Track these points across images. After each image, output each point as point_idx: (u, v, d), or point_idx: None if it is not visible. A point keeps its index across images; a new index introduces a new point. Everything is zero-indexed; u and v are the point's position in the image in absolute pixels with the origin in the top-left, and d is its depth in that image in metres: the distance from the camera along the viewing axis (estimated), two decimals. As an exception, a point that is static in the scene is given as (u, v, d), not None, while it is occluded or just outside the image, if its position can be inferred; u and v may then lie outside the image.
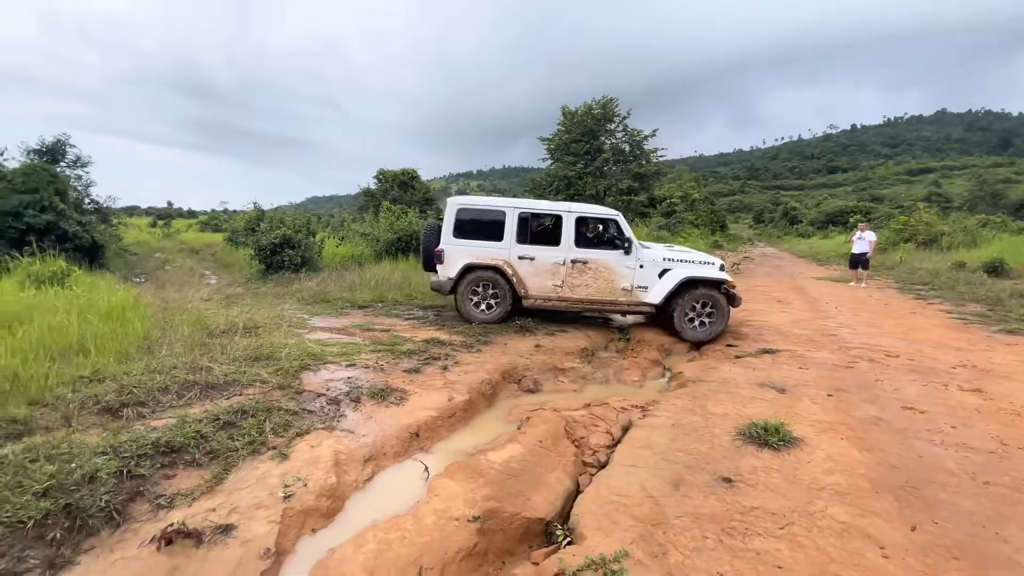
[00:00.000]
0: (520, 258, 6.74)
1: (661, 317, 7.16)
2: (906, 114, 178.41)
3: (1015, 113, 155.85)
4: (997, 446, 3.34)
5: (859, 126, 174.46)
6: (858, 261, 12.61)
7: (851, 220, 32.10)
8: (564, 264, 6.74)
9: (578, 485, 3.20)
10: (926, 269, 14.56)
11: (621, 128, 21.92)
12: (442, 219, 7.19)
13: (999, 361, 5.39)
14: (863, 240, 12.63)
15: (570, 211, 6.80)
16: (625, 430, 3.94)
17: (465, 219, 6.77)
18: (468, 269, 6.72)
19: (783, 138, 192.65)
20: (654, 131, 22.07)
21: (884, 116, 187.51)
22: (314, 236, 13.28)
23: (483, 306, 6.86)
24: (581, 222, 6.92)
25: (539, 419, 3.93)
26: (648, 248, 7.08)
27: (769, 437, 3.40)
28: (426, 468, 3.21)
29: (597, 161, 21.33)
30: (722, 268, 6.92)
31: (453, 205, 6.82)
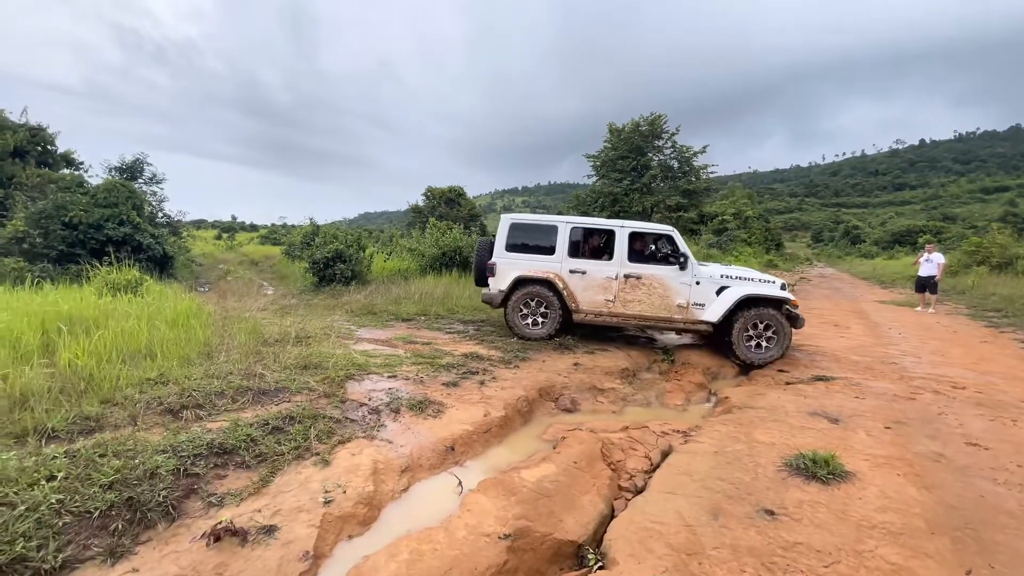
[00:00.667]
0: (572, 272, 6.78)
1: (715, 338, 7.04)
2: (979, 129, 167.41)
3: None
4: (1076, 492, 3.06)
5: (928, 141, 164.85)
6: (925, 284, 11.86)
7: (919, 240, 30.24)
8: (616, 279, 6.75)
9: (612, 509, 3.16)
10: (1000, 295, 13.50)
11: (670, 144, 21.68)
12: (494, 235, 7.40)
13: (1084, 398, 4.93)
14: (931, 262, 11.88)
15: (623, 227, 6.86)
16: (665, 455, 3.86)
17: (517, 234, 6.92)
18: (519, 282, 6.81)
19: (845, 153, 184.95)
20: (704, 147, 21.68)
21: (955, 131, 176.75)
22: (364, 251, 13.80)
23: (530, 320, 6.91)
24: (635, 237, 6.96)
25: (575, 439, 3.91)
26: (705, 266, 7.04)
27: (818, 470, 3.25)
28: (459, 482, 3.26)
29: (644, 178, 21.13)
30: (783, 287, 6.76)
31: (506, 220, 6.97)
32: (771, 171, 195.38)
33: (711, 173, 22.38)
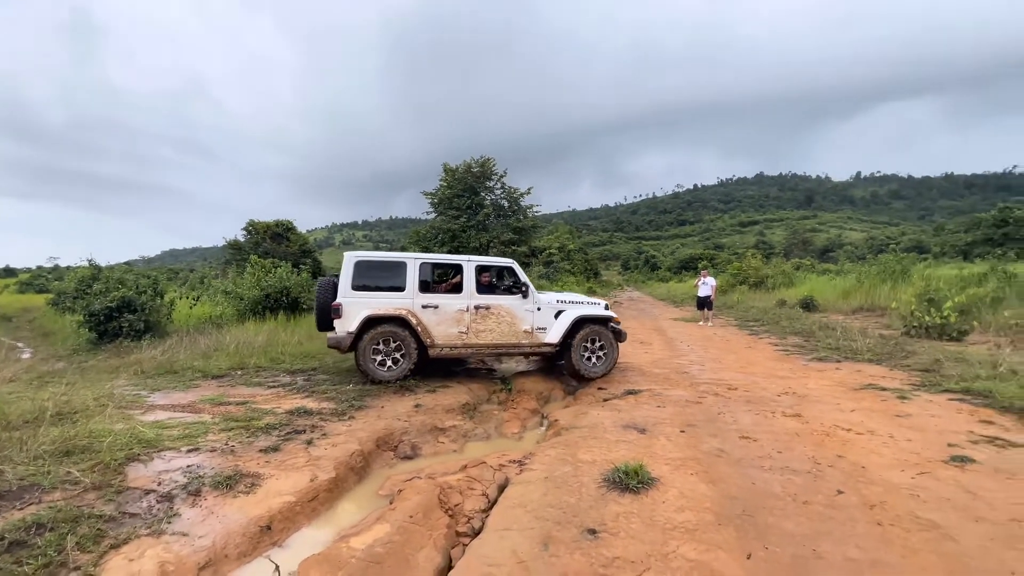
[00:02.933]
0: (424, 307, 6.67)
1: (553, 359, 7.36)
2: (734, 176, 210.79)
3: (813, 176, 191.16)
4: (812, 466, 3.79)
5: (700, 185, 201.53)
6: (703, 303, 14.18)
7: (699, 265, 36.30)
8: (468, 310, 6.81)
9: (450, 560, 3.02)
10: (757, 307, 16.77)
11: (499, 185, 22.90)
12: (334, 272, 6.74)
13: (812, 387, 6.24)
14: (706, 285, 14.28)
15: (470, 260, 6.98)
16: (502, 489, 3.85)
17: (364, 272, 6.58)
18: (370, 322, 6.43)
19: (641, 195, 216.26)
20: (529, 188, 23.31)
21: (719, 178, 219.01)
22: (162, 297, 11.71)
23: (389, 362, 6.58)
24: (481, 271, 7.12)
25: (412, 490, 3.70)
26: (543, 293, 7.39)
27: (630, 480, 3.52)
28: (276, 568, 2.82)
29: (479, 215, 21.91)
30: (606, 307, 7.42)
31: (350, 258, 6.59)
32: (586, 209, 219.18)
33: (536, 212, 24.17)
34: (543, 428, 5.85)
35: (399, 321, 6.54)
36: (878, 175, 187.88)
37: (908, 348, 8.20)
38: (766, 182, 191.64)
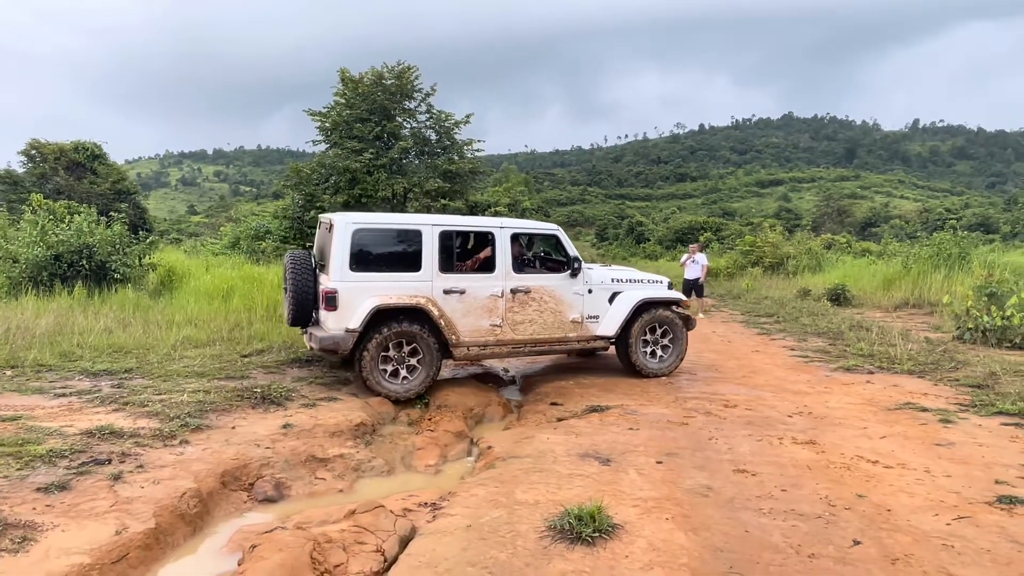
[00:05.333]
0: (447, 292, 6.89)
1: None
2: (754, 116, 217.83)
3: (858, 121, 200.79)
4: (824, 509, 4.06)
5: (707, 127, 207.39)
6: (691, 288, 14.72)
7: (701, 238, 37.55)
8: (503, 295, 7.15)
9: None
10: (772, 298, 17.59)
11: (424, 108, 22.42)
12: (305, 245, 6.80)
13: (834, 405, 6.65)
14: (696, 264, 14.83)
15: (502, 227, 7.29)
16: (405, 543, 3.89)
17: (366, 244, 6.73)
18: (379, 315, 6.57)
19: (627, 136, 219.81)
20: (468, 116, 22.98)
21: (732, 117, 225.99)
22: None
23: (403, 372, 6.84)
24: (515, 240, 7.47)
25: (271, 546, 3.65)
26: (591, 268, 7.79)
27: (583, 528, 3.64)
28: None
29: (393, 151, 21.39)
30: (670, 286, 7.98)
31: (348, 226, 6.64)
32: (551, 151, 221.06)
33: (478, 151, 23.95)
34: (471, 458, 5.95)
35: (416, 313, 6.75)
36: (940, 125, 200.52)
37: (959, 357, 8.87)
38: (795, 126, 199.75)
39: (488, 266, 7.27)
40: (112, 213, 14.11)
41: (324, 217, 7.58)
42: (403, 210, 22.12)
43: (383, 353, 6.69)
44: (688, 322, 8.05)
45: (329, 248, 6.77)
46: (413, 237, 6.88)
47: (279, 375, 7.27)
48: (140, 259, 12.97)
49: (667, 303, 7.94)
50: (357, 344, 6.56)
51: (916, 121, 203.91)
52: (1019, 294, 10.41)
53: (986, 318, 10.29)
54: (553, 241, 7.79)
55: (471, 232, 7.82)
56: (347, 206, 19.75)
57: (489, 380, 8.41)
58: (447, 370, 8.38)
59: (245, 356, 7.98)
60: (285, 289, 7.37)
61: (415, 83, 22.07)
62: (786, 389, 7.38)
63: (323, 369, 7.66)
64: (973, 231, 31.54)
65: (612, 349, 8.12)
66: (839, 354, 9.48)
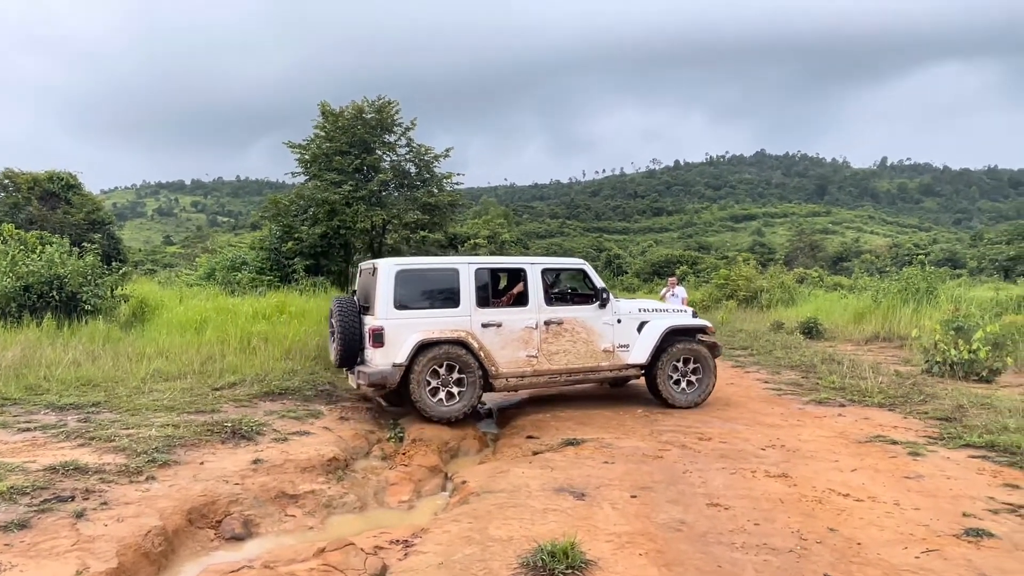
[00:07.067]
0: (484, 326, 7.32)
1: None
2: (728, 152, 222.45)
3: (828, 159, 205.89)
4: (796, 542, 4.07)
5: (683, 163, 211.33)
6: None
7: (677, 272, 37.97)
8: (537, 327, 7.55)
9: None
10: (746, 330, 17.80)
11: (404, 142, 22.59)
12: (355, 291, 7.96)
13: (807, 438, 6.70)
14: (675, 297, 14.99)
15: (533, 263, 7.80)
16: (376, 581, 3.84)
17: (408, 285, 7.20)
18: (423, 348, 6.99)
19: (604, 171, 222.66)
20: (448, 150, 23.23)
21: (707, 153, 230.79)
22: None
23: (443, 393, 7.20)
24: (547, 275, 7.97)
25: (237, 584, 3.59)
26: (619, 300, 8.21)
27: (556, 565, 3.61)
28: None
29: (372, 183, 21.47)
30: (695, 314, 8.25)
31: (391, 269, 7.15)
32: (530, 185, 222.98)
33: (457, 184, 24.14)
34: (446, 493, 5.92)
35: (459, 345, 7.16)
36: (908, 163, 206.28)
37: (928, 390, 9.00)
38: (768, 163, 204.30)
39: (522, 300, 7.68)
40: (85, 244, 13.96)
41: (366, 263, 8.10)
42: (381, 241, 22.18)
43: (429, 377, 7.11)
44: (715, 349, 8.29)
45: (373, 291, 7.23)
46: (451, 276, 7.35)
47: (251, 409, 7.18)
48: (112, 290, 12.78)
49: (693, 331, 8.22)
50: (406, 374, 6.98)
51: (884, 159, 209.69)
52: (984, 328, 10.64)
53: (953, 352, 10.48)
54: (580, 275, 8.20)
55: (504, 269, 8.36)
56: (324, 237, 19.79)
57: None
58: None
59: (216, 389, 7.87)
60: (331, 332, 7.89)
61: (395, 117, 22.28)
62: (760, 422, 7.43)
63: (296, 402, 7.59)
64: (941, 266, 32.29)
65: (643, 380, 8.40)
66: (811, 387, 9.58)
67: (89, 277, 12.14)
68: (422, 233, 22.76)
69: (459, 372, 7.21)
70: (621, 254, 69.64)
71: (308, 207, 21.25)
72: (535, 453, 6.30)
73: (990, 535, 4.20)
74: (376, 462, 6.48)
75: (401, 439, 7.12)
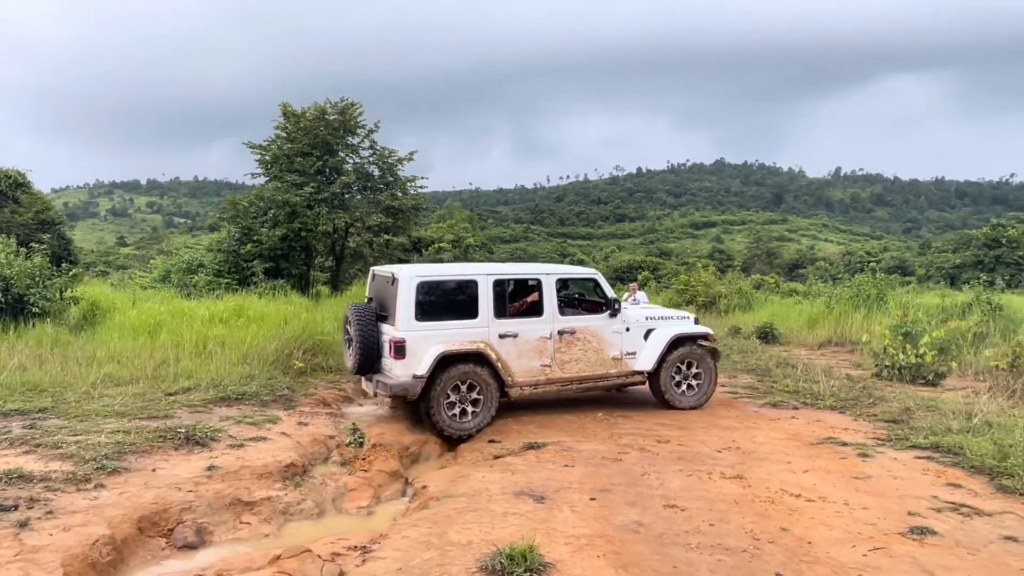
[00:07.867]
0: (502, 336, 7.39)
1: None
2: (688, 161, 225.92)
3: (785, 168, 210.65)
4: (750, 543, 4.17)
5: (645, 170, 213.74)
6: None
7: (639, 277, 38.36)
8: (551, 337, 7.66)
9: None
10: (706, 335, 18.03)
11: (368, 144, 22.42)
12: (370, 298, 7.93)
13: (761, 440, 6.85)
14: (637, 303, 15.11)
15: (549, 273, 7.97)
16: (332, 588, 3.80)
17: (429, 296, 7.27)
18: (445, 361, 7.02)
19: (568, 176, 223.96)
20: (412, 153, 23.14)
21: (668, 161, 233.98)
22: None
23: (459, 411, 7.25)
24: (561, 285, 8.12)
25: (189, 592, 3.52)
26: (626, 308, 8.36)
27: (515, 568, 3.64)
28: None
29: (335, 185, 21.25)
30: (696, 321, 8.42)
31: (412, 279, 7.17)
32: (495, 190, 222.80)
33: (422, 187, 24.04)
34: (406, 498, 5.91)
35: (477, 358, 7.23)
36: (860, 173, 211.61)
37: (877, 393, 9.26)
38: (727, 171, 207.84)
39: (536, 310, 7.76)
40: (33, 244, 13.52)
41: (382, 270, 8.09)
42: (344, 244, 21.98)
43: (449, 392, 7.15)
44: (715, 355, 8.51)
45: (393, 300, 7.26)
46: (470, 286, 7.47)
47: (206, 414, 7.03)
48: (61, 292, 12.38)
49: (696, 338, 8.38)
50: (428, 387, 7.01)
51: (838, 169, 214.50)
52: (931, 333, 11.00)
53: (901, 356, 10.81)
54: (592, 284, 8.42)
55: (521, 279, 8.32)
56: (285, 240, 19.49)
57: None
58: (383, 408, 8.29)
59: (170, 394, 7.68)
60: (347, 340, 7.85)
61: (358, 119, 22.11)
62: (716, 425, 7.56)
63: (253, 408, 7.46)
64: (891, 273, 33.29)
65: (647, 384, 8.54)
66: (766, 390, 9.78)
67: (37, 279, 11.74)
68: (385, 236, 22.61)
69: (478, 393, 7.31)
70: (585, 259, 70.13)
71: (268, 209, 20.89)
72: (496, 457, 6.31)
73: (933, 533, 4.36)
74: (335, 468, 6.43)
75: (361, 444, 7.05)
